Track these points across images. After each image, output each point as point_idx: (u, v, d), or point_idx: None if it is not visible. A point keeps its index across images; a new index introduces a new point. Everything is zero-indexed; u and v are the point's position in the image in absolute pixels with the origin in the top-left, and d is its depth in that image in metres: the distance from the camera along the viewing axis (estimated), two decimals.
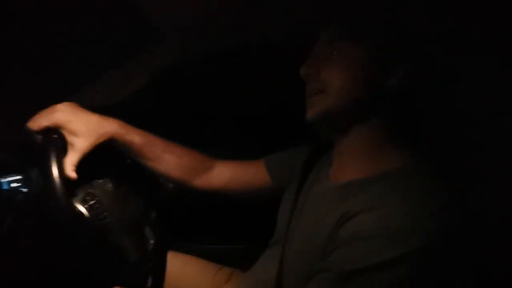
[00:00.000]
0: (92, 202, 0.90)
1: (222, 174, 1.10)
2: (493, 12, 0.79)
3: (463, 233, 0.74)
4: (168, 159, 1.04)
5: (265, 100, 1.28)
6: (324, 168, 0.94)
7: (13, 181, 1.00)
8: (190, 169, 1.07)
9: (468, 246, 0.75)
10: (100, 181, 0.97)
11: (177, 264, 1.13)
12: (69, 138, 0.90)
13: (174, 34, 0.97)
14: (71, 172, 0.87)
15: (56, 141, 0.86)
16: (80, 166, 0.89)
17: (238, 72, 1.20)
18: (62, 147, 0.87)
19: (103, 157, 0.95)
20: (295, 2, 0.94)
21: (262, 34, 1.06)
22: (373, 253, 0.70)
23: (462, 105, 0.89)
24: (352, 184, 0.83)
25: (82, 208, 0.88)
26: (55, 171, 0.81)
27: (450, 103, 0.90)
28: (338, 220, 0.77)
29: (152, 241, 1.04)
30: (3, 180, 0.99)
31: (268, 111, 1.30)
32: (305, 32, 0.91)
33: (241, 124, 1.34)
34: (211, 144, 1.19)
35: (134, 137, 0.99)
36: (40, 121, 0.89)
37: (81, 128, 0.90)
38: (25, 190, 0.99)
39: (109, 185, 0.97)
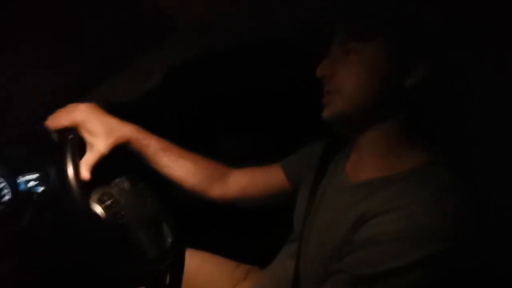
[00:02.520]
0: (109, 202, 0.90)
1: (239, 181, 1.08)
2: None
3: (480, 232, 0.73)
4: (183, 165, 1.03)
5: (280, 96, 1.27)
6: (341, 163, 0.93)
7: (31, 178, 1.01)
8: (206, 176, 1.06)
9: (484, 244, 0.74)
10: (116, 180, 0.96)
11: (195, 262, 1.13)
12: (88, 138, 0.91)
13: (189, 31, 0.96)
14: (86, 174, 0.87)
15: (73, 141, 0.86)
16: (97, 166, 0.90)
17: (253, 69, 1.19)
18: (79, 148, 0.87)
19: (120, 156, 0.95)
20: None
21: (275, 30, 1.04)
22: (392, 257, 0.70)
23: (478, 104, 0.88)
24: (370, 183, 0.81)
25: (99, 209, 0.88)
26: (71, 172, 0.81)
27: (465, 102, 0.88)
28: (356, 221, 0.76)
29: (170, 239, 1.04)
30: (22, 177, 1.00)
31: (284, 108, 1.29)
32: (319, 29, 0.89)
33: (257, 122, 1.32)
34: (225, 141, 1.18)
35: (150, 142, 0.99)
36: (59, 120, 0.90)
37: (100, 129, 0.91)
38: (43, 187, 1.00)
39: (126, 184, 0.97)
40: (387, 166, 0.81)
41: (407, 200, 0.73)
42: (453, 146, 0.84)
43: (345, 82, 0.82)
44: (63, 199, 0.84)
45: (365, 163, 0.85)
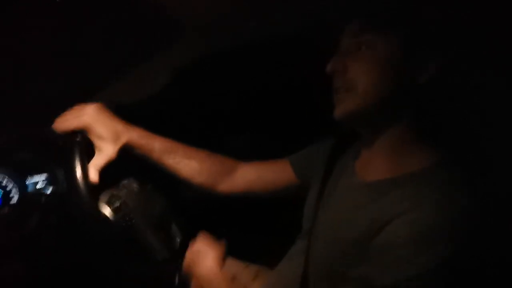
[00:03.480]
0: (118, 204, 0.90)
1: (246, 176, 1.08)
2: None
3: (491, 232, 0.72)
4: (190, 165, 1.03)
5: (286, 96, 1.26)
6: (351, 161, 0.92)
7: (39, 180, 1.00)
8: (213, 173, 1.06)
9: (495, 244, 0.74)
10: (125, 181, 0.97)
11: None
12: (97, 142, 0.91)
13: (196, 33, 0.95)
14: (95, 177, 0.87)
15: (81, 144, 0.86)
16: (105, 168, 0.90)
17: (259, 68, 1.18)
18: (87, 150, 0.86)
19: (127, 157, 0.94)
20: None
21: (280, 30, 1.04)
22: (408, 262, 0.69)
23: (489, 104, 0.87)
24: (380, 184, 0.81)
25: (108, 211, 0.88)
26: (79, 175, 0.81)
27: (476, 102, 0.87)
28: (370, 226, 0.75)
29: (178, 239, 1.04)
30: (29, 179, 1.00)
31: (292, 106, 1.28)
32: (328, 25, 0.89)
33: (263, 120, 1.32)
34: (233, 141, 1.17)
35: (154, 145, 0.99)
36: (67, 123, 0.89)
37: (107, 134, 0.91)
38: (50, 189, 0.99)
39: (134, 185, 0.97)
40: (398, 167, 0.80)
41: (419, 202, 0.72)
42: (464, 146, 0.83)
43: (359, 77, 0.80)
44: (72, 201, 0.84)
45: (375, 163, 0.84)
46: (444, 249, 0.68)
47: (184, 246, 1.04)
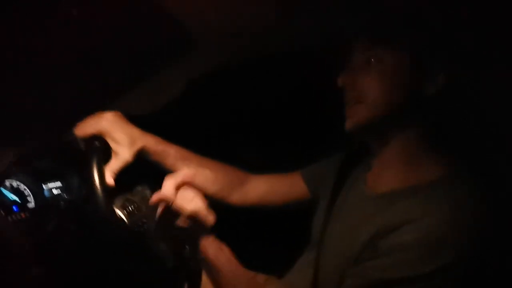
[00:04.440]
0: (131, 208, 0.91)
1: (258, 188, 1.10)
2: None
3: (500, 243, 0.73)
4: (203, 174, 1.04)
5: (301, 106, 1.28)
6: (361, 174, 0.94)
7: (55, 187, 1.03)
8: (226, 184, 1.08)
9: (503, 257, 0.74)
10: (139, 187, 0.98)
11: None
12: (114, 146, 0.93)
13: (210, 42, 0.97)
14: (111, 180, 0.89)
15: (99, 148, 0.89)
16: (120, 173, 0.92)
17: (273, 79, 1.20)
18: (104, 155, 0.89)
19: (142, 164, 0.96)
20: (329, 9, 0.93)
21: (297, 41, 1.06)
22: (412, 264, 0.71)
23: (499, 112, 0.88)
24: (391, 194, 0.82)
25: (121, 215, 0.89)
26: (97, 178, 0.83)
27: (487, 111, 0.88)
28: (377, 231, 0.77)
29: (188, 247, 1.05)
30: (46, 186, 1.02)
31: (305, 118, 1.30)
32: (341, 39, 0.90)
33: (276, 132, 1.34)
34: (245, 153, 1.18)
35: (169, 152, 1.01)
36: (86, 128, 0.92)
37: (124, 139, 0.93)
38: (67, 196, 1.01)
39: (148, 192, 0.98)
40: (408, 177, 0.82)
41: (426, 211, 0.73)
42: (475, 156, 0.84)
43: (369, 90, 0.82)
44: (88, 205, 0.86)
45: (386, 174, 0.86)
46: (449, 255, 0.69)
47: (194, 255, 1.05)
